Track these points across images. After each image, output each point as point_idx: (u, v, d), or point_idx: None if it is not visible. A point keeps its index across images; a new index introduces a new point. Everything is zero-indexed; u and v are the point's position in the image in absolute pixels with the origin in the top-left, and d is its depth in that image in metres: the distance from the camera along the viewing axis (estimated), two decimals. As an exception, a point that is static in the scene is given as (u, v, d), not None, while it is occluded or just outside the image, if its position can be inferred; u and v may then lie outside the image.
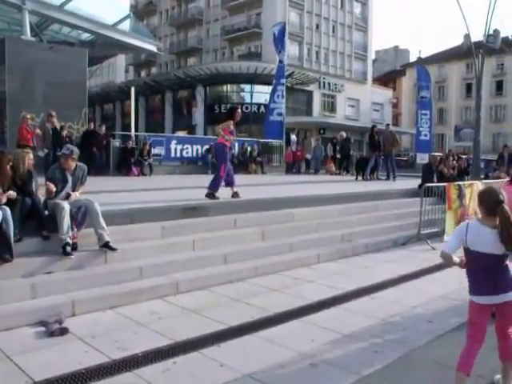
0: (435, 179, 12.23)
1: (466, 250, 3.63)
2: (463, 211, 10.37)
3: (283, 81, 24.53)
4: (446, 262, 3.83)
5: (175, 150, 19.72)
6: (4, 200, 5.55)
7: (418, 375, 4.05)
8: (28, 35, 19.14)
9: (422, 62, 47.86)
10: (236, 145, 21.76)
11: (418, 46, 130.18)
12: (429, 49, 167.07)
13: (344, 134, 22.49)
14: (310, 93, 51.62)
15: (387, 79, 73.63)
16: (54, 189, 6.18)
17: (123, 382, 3.77)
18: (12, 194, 5.67)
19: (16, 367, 3.94)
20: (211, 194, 9.16)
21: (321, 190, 12.27)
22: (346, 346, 4.55)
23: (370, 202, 11.01)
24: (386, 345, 4.59)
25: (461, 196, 10.41)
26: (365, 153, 20.75)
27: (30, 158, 6.35)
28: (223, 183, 9.48)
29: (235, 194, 9.48)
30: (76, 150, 6.56)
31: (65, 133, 14.60)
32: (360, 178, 17.66)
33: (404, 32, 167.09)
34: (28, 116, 13.54)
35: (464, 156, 21.22)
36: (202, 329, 4.82)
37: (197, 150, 20.12)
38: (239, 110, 9.78)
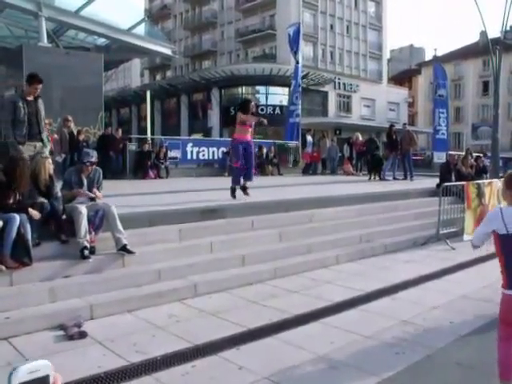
0: (453, 178, 12.10)
1: (505, 237, 3.43)
2: (482, 210, 10.22)
3: (299, 82, 24.55)
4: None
5: (191, 152, 19.76)
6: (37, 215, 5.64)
7: (440, 377, 3.97)
8: (45, 41, 19.34)
9: (437, 61, 47.53)
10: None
11: (434, 44, 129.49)
12: (445, 47, 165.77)
13: (359, 135, 22.36)
14: (326, 93, 51.49)
15: (402, 78, 73.19)
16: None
17: (142, 386, 3.75)
18: (35, 214, 5.69)
19: (36, 371, 3.93)
20: (233, 189, 9.32)
21: (338, 190, 12.19)
22: (366, 348, 4.49)
23: (389, 202, 10.93)
24: (406, 346, 4.52)
25: (480, 195, 10.28)
26: (381, 152, 20.49)
27: (49, 162, 6.41)
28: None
29: (244, 188, 9.38)
30: (96, 156, 6.65)
31: (82, 137, 14.69)
32: (375, 177, 17.52)
33: (419, 30, 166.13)
34: (46, 121, 13.63)
35: (481, 154, 20.96)
36: (220, 331, 4.79)
37: (213, 152, 20.14)
38: (252, 103, 9.70)
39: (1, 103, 7.74)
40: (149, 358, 4.17)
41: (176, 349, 4.37)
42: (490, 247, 4.10)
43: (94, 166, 6.65)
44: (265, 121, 9.88)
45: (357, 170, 22.05)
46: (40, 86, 7.39)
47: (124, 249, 6.10)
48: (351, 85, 53.78)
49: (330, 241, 8.40)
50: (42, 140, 7.44)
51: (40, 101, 7.53)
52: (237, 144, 9.43)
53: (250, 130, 9.51)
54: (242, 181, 9.46)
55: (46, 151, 7.30)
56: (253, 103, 9.77)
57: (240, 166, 9.35)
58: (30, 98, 7.35)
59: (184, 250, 6.81)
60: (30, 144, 7.28)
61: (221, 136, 40.40)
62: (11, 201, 5.62)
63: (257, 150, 21.31)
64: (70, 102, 16.02)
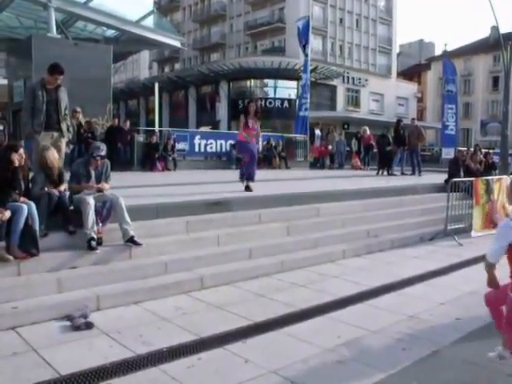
0: (462, 174, 12.04)
1: None
2: (491, 206, 10.18)
3: (309, 75, 24.49)
4: (487, 271, 3.74)
5: (199, 145, 19.76)
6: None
7: (447, 374, 3.95)
8: (54, 33, 19.31)
9: (447, 56, 47.24)
10: (260, 140, 21.81)
11: (444, 39, 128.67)
12: (455, 42, 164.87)
13: (367, 129, 22.27)
14: (334, 87, 51.38)
15: (412, 73, 72.84)
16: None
17: (148, 378, 3.75)
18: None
19: (42, 360, 3.96)
20: (245, 183, 9.74)
21: (346, 184, 12.16)
22: (372, 343, 4.48)
23: (396, 197, 10.88)
24: (413, 342, 4.50)
25: (488, 191, 10.22)
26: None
27: (59, 150, 6.38)
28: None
29: (247, 188, 9.68)
30: (106, 149, 6.65)
31: (84, 128, 14.54)
32: (383, 172, 17.45)
33: (429, 25, 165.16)
34: (78, 109, 13.66)
35: (491, 151, 20.84)
36: (226, 324, 4.79)
37: (221, 145, 20.11)
38: (251, 104, 10.12)
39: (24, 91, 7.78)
40: (155, 350, 4.17)
41: (182, 341, 4.37)
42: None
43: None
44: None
45: (365, 164, 21.98)
46: (61, 77, 7.38)
47: (131, 240, 6.10)
48: (360, 79, 53.64)
49: (337, 235, 8.38)
50: (60, 129, 7.42)
51: (62, 89, 7.50)
52: (242, 144, 10.08)
53: (254, 133, 10.02)
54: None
55: (63, 141, 7.28)
56: (252, 103, 10.16)
57: (250, 160, 9.86)
58: (51, 87, 7.34)
59: (191, 242, 6.81)
60: (46, 133, 7.27)
61: (229, 129, 40.37)
62: (17, 190, 5.62)
63: (265, 142, 21.39)
64: (79, 94, 15.96)
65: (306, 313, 5.22)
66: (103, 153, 6.56)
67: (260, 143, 21.70)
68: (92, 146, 6.72)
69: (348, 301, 5.67)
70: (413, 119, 19.79)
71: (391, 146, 17.37)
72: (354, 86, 53.67)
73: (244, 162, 10.10)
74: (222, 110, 46.98)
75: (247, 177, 9.85)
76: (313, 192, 9.93)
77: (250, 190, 9.56)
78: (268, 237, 7.62)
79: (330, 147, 23.13)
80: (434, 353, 4.29)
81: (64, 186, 6.25)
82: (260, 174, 9.81)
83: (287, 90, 45.82)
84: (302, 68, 25.81)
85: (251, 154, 9.87)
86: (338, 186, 11.44)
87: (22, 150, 5.76)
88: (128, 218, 6.16)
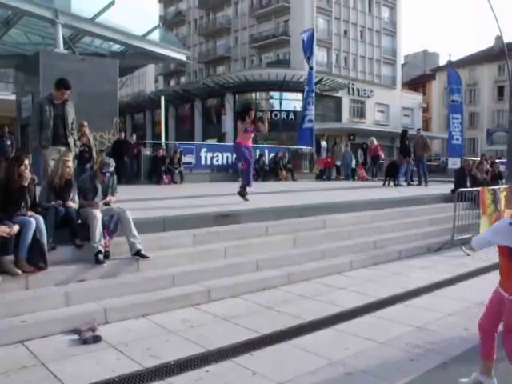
0: (468, 184, 12.01)
1: None
2: (498, 216, 10.12)
3: (313, 87, 24.56)
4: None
5: (205, 157, 19.80)
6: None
7: (456, 385, 3.92)
8: (61, 48, 19.53)
9: (452, 66, 47.28)
10: (267, 152, 21.84)
11: (448, 49, 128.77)
12: (459, 52, 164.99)
13: (374, 140, 22.29)
14: (339, 99, 51.46)
15: (417, 84, 72.91)
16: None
17: (156, 391, 3.75)
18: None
19: (51, 374, 3.96)
20: (242, 188, 9.66)
21: (352, 196, 12.14)
22: (381, 355, 4.45)
23: (403, 208, 10.86)
24: (421, 353, 4.48)
25: (495, 200, 10.18)
26: (396, 158, 20.48)
27: (67, 165, 6.40)
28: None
29: (242, 193, 9.64)
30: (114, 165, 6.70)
31: (82, 141, 14.37)
32: (389, 183, 17.43)
33: (433, 35, 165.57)
34: (85, 123, 13.70)
35: (497, 160, 20.78)
36: (234, 337, 4.78)
37: (227, 157, 20.15)
38: (251, 112, 10.08)
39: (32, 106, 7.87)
40: (162, 363, 4.17)
41: (190, 354, 4.36)
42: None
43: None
44: (264, 127, 10.27)
45: (372, 175, 21.96)
46: (67, 91, 7.43)
47: (138, 253, 6.11)
48: (365, 90, 53.72)
49: (344, 246, 8.37)
50: (67, 144, 7.46)
51: (69, 104, 7.56)
52: (239, 147, 9.98)
53: (252, 135, 10.14)
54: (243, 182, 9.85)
55: (71, 156, 7.31)
56: (252, 111, 10.13)
57: (248, 166, 9.91)
58: (58, 102, 7.40)
59: (198, 254, 6.81)
60: (54, 148, 7.31)
61: (235, 141, 40.36)
62: (24, 204, 5.66)
63: (273, 155, 21.42)
64: (86, 108, 16.06)
65: (313, 325, 5.20)
66: (112, 169, 6.62)
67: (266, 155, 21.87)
68: (102, 161, 6.75)
69: (356, 312, 5.65)
70: (418, 130, 19.79)
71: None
72: (359, 98, 53.75)
73: (244, 168, 10.22)
74: (228, 123, 47.03)
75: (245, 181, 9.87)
76: (319, 204, 9.93)
77: (246, 199, 9.54)
78: (275, 249, 7.62)
79: (337, 162, 23.13)
80: (442, 364, 4.26)
81: (74, 205, 6.24)
82: (267, 186, 9.86)
83: (293, 102, 45.90)
84: (306, 80, 25.87)
85: (249, 156, 9.89)
86: (344, 198, 11.42)
87: (27, 162, 5.78)
88: (135, 231, 6.18)
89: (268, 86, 45.55)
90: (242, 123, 9.88)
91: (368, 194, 12.95)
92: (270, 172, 20.86)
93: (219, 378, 3.96)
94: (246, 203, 9.31)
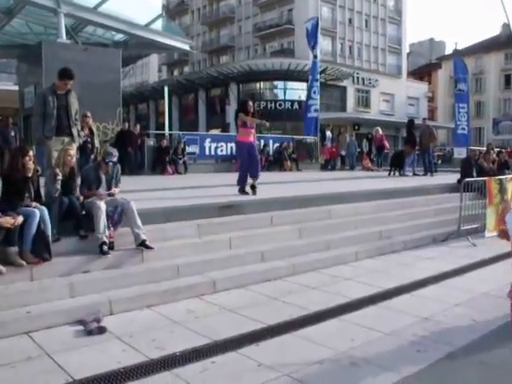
0: (475, 174, 11.96)
1: None
2: (505, 206, 10.09)
3: (317, 77, 24.46)
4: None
5: (209, 148, 19.78)
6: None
7: (463, 375, 3.92)
8: (64, 38, 19.43)
9: (458, 54, 47.04)
10: (271, 142, 21.82)
11: (454, 38, 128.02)
12: (466, 40, 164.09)
13: (380, 130, 22.25)
14: (344, 88, 51.33)
15: (422, 73, 72.58)
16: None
17: (162, 382, 3.75)
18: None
19: (56, 365, 3.98)
20: (241, 190, 9.49)
21: (357, 186, 12.11)
22: (387, 345, 4.45)
23: (409, 198, 10.84)
24: (428, 344, 4.47)
25: (502, 191, 10.13)
26: (401, 148, 20.47)
27: (69, 154, 6.41)
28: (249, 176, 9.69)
29: (252, 187, 9.52)
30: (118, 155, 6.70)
31: (85, 132, 14.29)
32: (395, 173, 17.38)
33: (439, 24, 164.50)
34: (88, 114, 13.70)
35: (503, 150, 20.69)
36: (239, 328, 4.78)
37: (231, 147, 20.06)
38: (250, 103, 9.82)
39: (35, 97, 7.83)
40: (168, 354, 4.18)
41: (195, 345, 4.37)
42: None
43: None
44: (266, 124, 10.38)
45: (378, 165, 21.93)
46: (70, 81, 7.40)
47: (143, 244, 6.12)
48: (370, 79, 53.53)
49: (349, 237, 8.36)
50: (71, 134, 7.44)
51: (73, 94, 7.54)
52: (241, 147, 9.81)
53: (253, 131, 9.79)
54: (249, 180, 9.63)
55: (74, 146, 7.29)
56: (250, 103, 9.87)
57: (244, 168, 9.66)
58: (61, 92, 7.38)
59: (202, 245, 6.82)
60: (58, 139, 7.30)
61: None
62: (27, 194, 5.67)
63: (277, 145, 21.36)
64: (89, 98, 16.01)
65: (319, 315, 5.21)
66: (115, 159, 6.62)
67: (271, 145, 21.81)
68: (105, 151, 6.76)
69: (361, 303, 5.65)
70: (424, 119, 19.71)
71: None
72: (364, 87, 53.59)
73: (239, 166, 10.02)
74: (232, 113, 46.68)
75: (251, 174, 9.61)
76: (324, 194, 9.92)
77: (255, 193, 9.42)
78: (280, 239, 7.61)
79: (342, 152, 23.10)
80: (449, 354, 4.26)
81: (77, 193, 6.28)
82: (271, 176, 9.83)
83: (297, 91, 45.84)
84: (310, 69, 25.76)
85: (251, 158, 9.60)
86: (349, 188, 11.41)
87: (31, 153, 5.78)
88: (139, 222, 6.18)
89: (272, 75, 45.49)
90: (240, 120, 9.59)
91: (373, 184, 12.92)
92: (275, 162, 20.83)
93: (225, 368, 3.97)
94: (250, 194, 9.32)
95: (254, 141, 9.92)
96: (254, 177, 9.62)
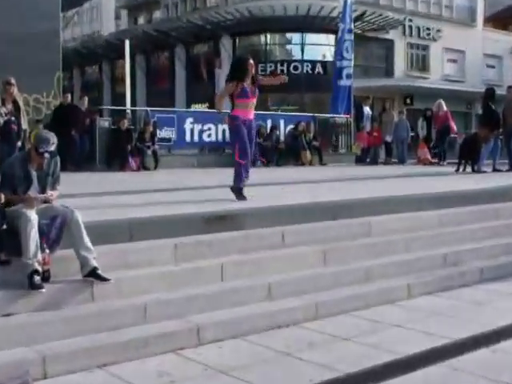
0: None
1: None
2: None
3: (351, 26, 24.46)
4: None
5: (192, 131, 19.84)
6: None
7: None
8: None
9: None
10: (282, 122, 21.80)
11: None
12: None
13: (443, 104, 22.23)
14: (391, 43, 51.32)
15: (506, 18, 72.46)
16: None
17: None
18: None
19: None
20: (238, 192, 9.50)
21: (410, 187, 12.13)
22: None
23: (488, 206, 10.85)
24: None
25: None
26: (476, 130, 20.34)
27: None
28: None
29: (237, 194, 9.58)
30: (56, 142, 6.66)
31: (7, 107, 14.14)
32: (465, 168, 17.36)
33: None
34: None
35: None
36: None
37: (223, 131, 20.13)
38: (251, 61, 9.80)
39: None
40: None
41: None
42: None
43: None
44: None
45: (440, 157, 21.91)
46: None
47: (93, 274, 6.10)
48: (429, 29, 53.43)
49: (398, 263, 8.38)
50: None
51: None
52: (237, 126, 9.68)
53: (254, 101, 9.80)
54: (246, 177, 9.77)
55: None
56: (251, 61, 9.84)
57: (244, 158, 9.64)
58: None
59: (182, 275, 6.82)
60: None
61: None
62: None
63: (291, 128, 21.36)
64: (11, 58, 16.04)
65: (352, 380, 5.20)
66: (53, 147, 6.57)
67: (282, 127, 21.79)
68: (38, 138, 6.73)
69: (417, 361, 5.64)
70: (510, 87, 19.68)
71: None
72: (419, 41, 53.53)
73: (241, 161, 9.71)
74: (225, 79, 46.90)
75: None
76: (361, 199, 9.94)
77: (244, 198, 9.53)
78: (295, 266, 7.62)
79: (387, 138, 23.09)
80: None
81: None
82: (283, 173, 9.81)
83: (321, 48, 45.89)
84: (340, 15, 25.82)
85: (245, 142, 9.67)
86: (397, 191, 11.40)
87: None
88: (88, 241, 6.17)
89: (284, 24, 45.35)
90: (234, 84, 9.61)
91: (434, 184, 12.92)
92: (288, 153, 20.90)
93: None
94: (251, 199, 9.33)
95: (254, 118, 9.98)
96: (237, 186, 9.66)
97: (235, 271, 7.15)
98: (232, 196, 9.48)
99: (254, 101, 9.81)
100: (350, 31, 24.14)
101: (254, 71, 9.81)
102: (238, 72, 9.74)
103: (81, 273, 6.15)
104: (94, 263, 6.12)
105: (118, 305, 6.13)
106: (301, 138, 21.01)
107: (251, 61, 9.84)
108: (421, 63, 54.11)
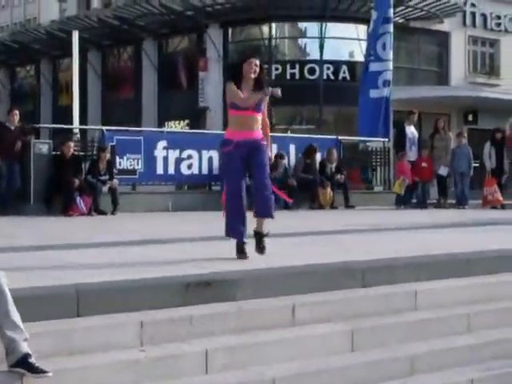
0: None
1: None
2: None
3: (390, 13, 24.60)
4: None
5: (165, 160, 19.89)
6: None
7: None
8: None
9: None
10: (293, 148, 21.88)
11: None
12: None
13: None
14: (445, 36, 51.59)
15: None
16: None
17: None
18: None
19: None
20: (236, 247, 9.57)
21: (474, 242, 12.14)
22: None
23: None
24: None
25: None
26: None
27: None
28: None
29: (258, 238, 9.63)
30: None
31: None
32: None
33: None
34: None
35: None
36: None
37: (209, 159, 20.19)
38: (256, 61, 9.61)
39: None
40: None
41: None
42: None
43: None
44: (278, 91, 9.77)
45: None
46: None
47: (24, 363, 6.08)
48: (499, 17, 53.77)
49: (458, 349, 8.36)
50: None
51: None
52: (229, 153, 9.67)
53: (257, 116, 9.68)
54: (244, 226, 9.70)
55: None
56: (257, 61, 9.67)
57: (236, 199, 9.60)
58: None
59: (149, 366, 6.79)
60: None
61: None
62: None
63: (277, 157, 21.38)
64: None
65: None
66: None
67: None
68: None
69: None
70: None
71: None
72: (486, 33, 53.88)
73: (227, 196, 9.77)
74: (212, 86, 46.94)
75: (257, 209, 9.67)
76: (403, 258, 9.94)
77: (262, 250, 9.61)
78: (311, 353, 7.61)
79: (441, 171, 23.13)
80: None
81: None
82: (294, 219, 9.80)
83: (345, 43, 46.06)
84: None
85: (255, 170, 9.72)
86: (455, 246, 11.42)
87: None
88: (17, 316, 6.17)
89: (295, 9, 45.65)
90: (231, 89, 9.54)
91: (507, 237, 12.93)
92: (301, 190, 20.90)
93: None
94: (241, 260, 9.37)
95: (262, 138, 9.83)
96: (262, 214, 9.69)
97: (224, 361, 7.12)
98: (223, 253, 9.49)
99: (258, 116, 9.65)
100: (387, 20, 24.26)
101: (258, 73, 9.58)
102: (236, 73, 9.75)
103: (6, 361, 6.14)
104: (25, 348, 6.10)
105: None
106: (318, 171, 21.05)
107: (257, 61, 9.61)
108: (488, 65, 54.40)
